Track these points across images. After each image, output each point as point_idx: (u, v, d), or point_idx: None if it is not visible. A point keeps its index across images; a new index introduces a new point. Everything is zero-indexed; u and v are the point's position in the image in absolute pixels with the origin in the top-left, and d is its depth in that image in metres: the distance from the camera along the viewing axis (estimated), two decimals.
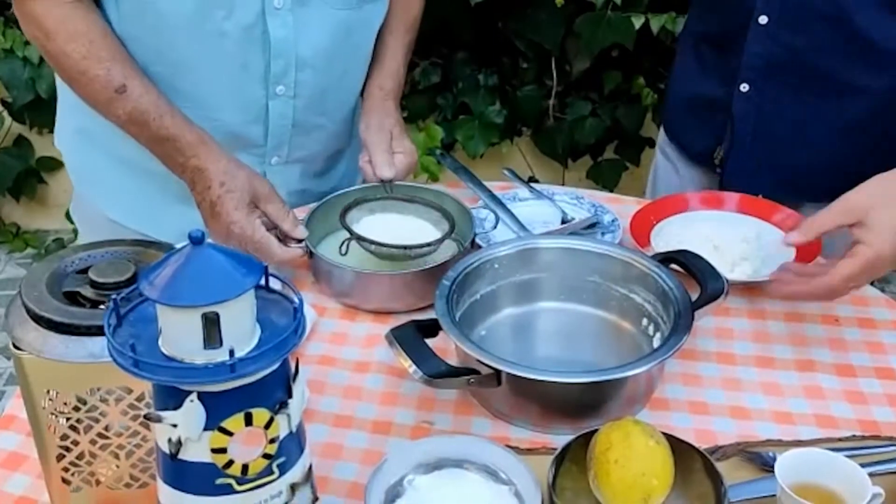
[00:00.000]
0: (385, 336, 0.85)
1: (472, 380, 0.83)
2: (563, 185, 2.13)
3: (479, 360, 0.83)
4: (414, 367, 0.81)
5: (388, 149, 1.11)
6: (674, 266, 0.96)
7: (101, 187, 1.18)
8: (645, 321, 0.94)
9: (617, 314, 0.97)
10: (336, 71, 1.13)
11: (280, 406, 0.59)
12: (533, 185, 1.26)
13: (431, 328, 0.88)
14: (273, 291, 0.62)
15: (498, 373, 0.82)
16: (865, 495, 0.68)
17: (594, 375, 0.82)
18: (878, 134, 1.17)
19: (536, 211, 1.21)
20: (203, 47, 1.04)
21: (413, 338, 0.84)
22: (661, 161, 1.42)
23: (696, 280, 0.93)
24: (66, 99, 1.17)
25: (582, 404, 0.84)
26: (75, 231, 1.98)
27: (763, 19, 1.15)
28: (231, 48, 1.04)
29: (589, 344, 0.97)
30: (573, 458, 0.75)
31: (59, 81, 1.15)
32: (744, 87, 1.20)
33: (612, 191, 2.37)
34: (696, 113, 1.29)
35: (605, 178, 2.42)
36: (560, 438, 0.79)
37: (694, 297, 0.90)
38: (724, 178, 1.26)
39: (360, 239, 1.01)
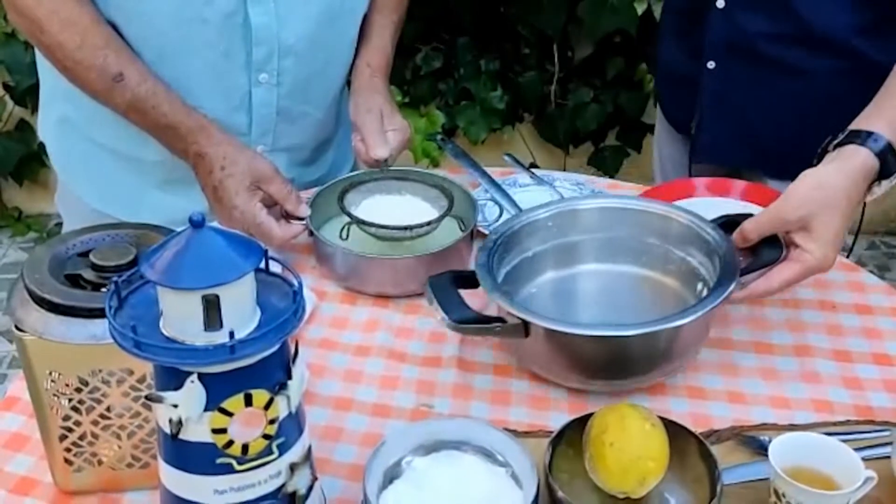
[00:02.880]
0: (424, 284, 0.87)
1: (498, 328, 0.84)
2: (564, 171, 2.13)
3: (506, 311, 0.84)
4: (442, 313, 0.82)
5: (379, 128, 1.10)
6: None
7: (83, 176, 1.18)
8: (700, 285, 0.91)
9: (674, 277, 0.95)
10: (320, 59, 1.12)
11: (280, 387, 0.60)
12: (533, 170, 1.27)
13: (470, 279, 0.88)
14: (273, 275, 0.63)
15: (525, 323, 0.83)
16: (858, 479, 0.68)
17: (616, 329, 0.82)
18: (832, 118, 1.17)
19: (537, 197, 1.21)
20: (184, 35, 1.03)
21: (446, 286, 0.85)
22: (661, 132, 1.43)
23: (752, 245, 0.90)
24: (48, 88, 1.17)
25: (614, 360, 0.83)
26: None
27: (720, 3, 1.17)
28: (212, 35, 1.04)
29: (635, 305, 0.95)
30: (570, 441, 0.76)
31: (42, 71, 1.15)
32: (710, 65, 1.22)
33: (613, 177, 2.37)
34: (674, 84, 1.31)
35: (606, 165, 2.42)
36: (558, 422, 0.79)
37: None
38: (694, 150, 1.28)
39: (360, 222, 1.02)
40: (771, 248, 0.88)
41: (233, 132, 1.09)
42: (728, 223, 0.93)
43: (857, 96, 1.07)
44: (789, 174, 1.09)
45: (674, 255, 0.95)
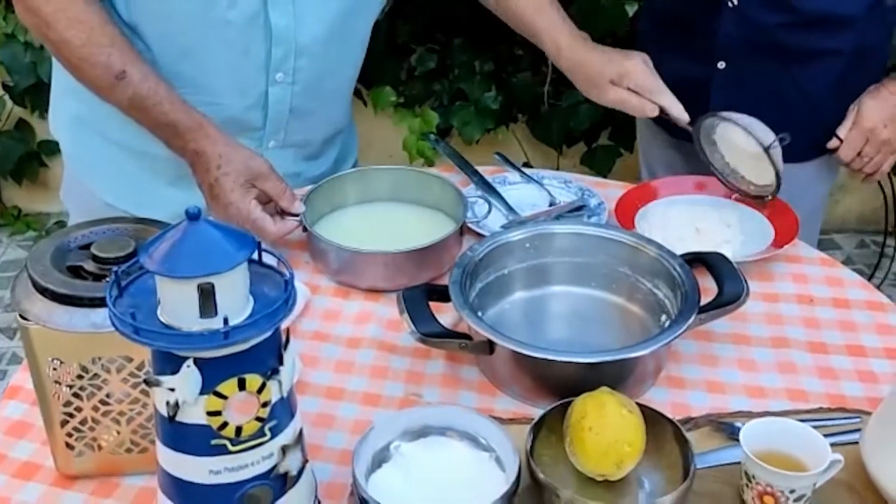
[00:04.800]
0: (396, 295, 0.90)
1: (464, 344, 0.87)
2: (557, 170, 2.16)
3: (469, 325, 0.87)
4: (411, 325, 0.85)
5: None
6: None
7: (98, 172, 1.21)
8: (664, 317, 0.95)
9: (641, 306, 0.99)
10: (331, 58, 1.16)
11: (272, 372, 0.63)
12: (523, 169, 1.30)
13: (444, 293, 0.91)
14: (266, 266, 0.66)
15: (490, 341, 0.86)
16: (824, 461, 0.71)
17: (577, 356, 0.85)
18: (842, 98, 1.29)
19: (525, 194, 1.24)
20: (207, 35, 1.07)
21: (418, 299, 0.89)
22: (648, 138, 1.46)
23: (716, 282, 0.93)
24: (61, 86, 1.20)
25: (570, 381, 0.84)
26: None
27: (733, 1, 1.21)
28: (234, 36, 1.08)
29: (603, 329, 0.99)
30: (551, 428, 0.79)
31: (55, 69, 1.18)
32: (721, 65, 1.26)
33: (605, 177, 2.40)
34: (674, 93, 1.33)
35: (599, 164, 2.45)
36: (542, 411, 0.82)
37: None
38: None
39: None
40: (734, 284, 0.92)
41: (248, 128, 1.13)
42: (694, 259, 0.96)
43: (863, 75, 1.24)
44: (797, 158, 1.23)
45: (642, 286, 0.98)
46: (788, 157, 1.31)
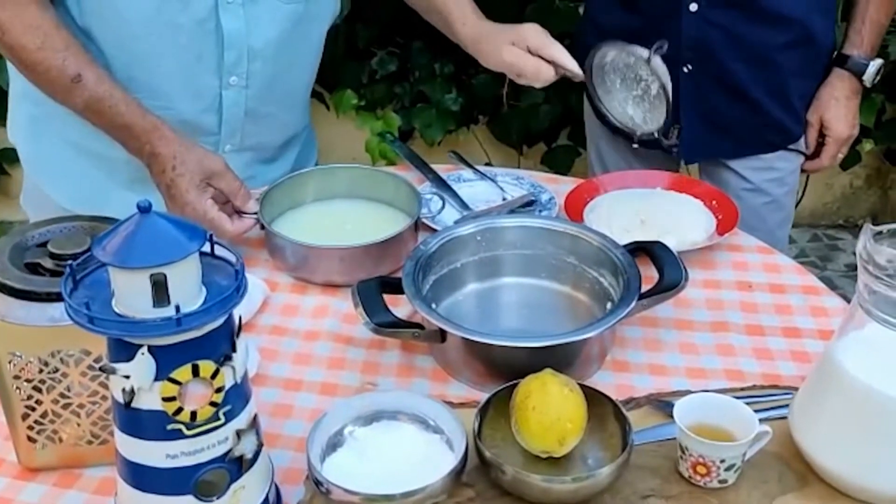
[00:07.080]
0: (351, 288, 0.93)
1: (416, 333, 0.90)
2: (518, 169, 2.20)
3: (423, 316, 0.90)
4: (365, 316, 0.88)
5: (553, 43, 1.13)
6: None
7: (53, 174, 1.23)
8: (609, 304, 0.98)
9: (587, 294, 1.02)
10: (285, 62, 1.19)
11: (225, 359, 0.66)
12: (477, 167, 1.34)
13: (397, 286, 0.94)
14: (219, 258, 0.69)
15: (442, 330, 0.89)
16: (752, 432, 0.76)
17: (524, 340, 0.88)
18: (810, 76, 1.39)
19: (479, 191, 1.28)
20: (159, 40, 1.09)
21: (372, 291, 0.92)
22: (605, 150, 1.50)
23: (657, 269, 0.97)
24: (18, 88, 1.21)
25: (518, 366, 0.87)
26: None
27: (693, 7, 1.28)
28: (186, 40, 1.10)
29: (551, 317, 1.03)
30: (499, 410, 0.82)
31: (11, 73, 1.19)
32: (686, 69, 1.32)
33: (566, 175, 2.45)
34: None
35: (558, 164, 2.50)
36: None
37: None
38: (684, 153, 1.41)
39: None
40: (673, 271, 0.96)
41: (204, 132, 1.15)
42: (636, 248, 1.01)
43: (817, 60, 1.34)
44: (770, 149, 1.38)
45: (587, 274, 1.02)
46: (763, 148, 1.39)
